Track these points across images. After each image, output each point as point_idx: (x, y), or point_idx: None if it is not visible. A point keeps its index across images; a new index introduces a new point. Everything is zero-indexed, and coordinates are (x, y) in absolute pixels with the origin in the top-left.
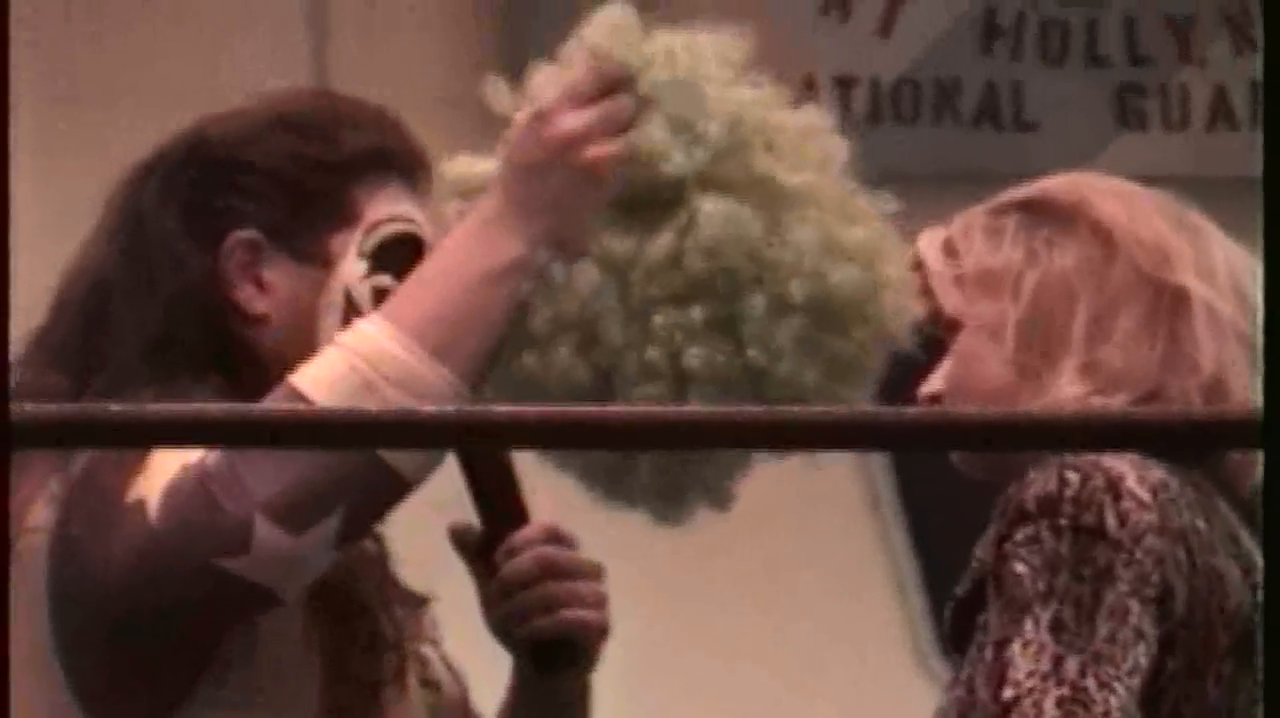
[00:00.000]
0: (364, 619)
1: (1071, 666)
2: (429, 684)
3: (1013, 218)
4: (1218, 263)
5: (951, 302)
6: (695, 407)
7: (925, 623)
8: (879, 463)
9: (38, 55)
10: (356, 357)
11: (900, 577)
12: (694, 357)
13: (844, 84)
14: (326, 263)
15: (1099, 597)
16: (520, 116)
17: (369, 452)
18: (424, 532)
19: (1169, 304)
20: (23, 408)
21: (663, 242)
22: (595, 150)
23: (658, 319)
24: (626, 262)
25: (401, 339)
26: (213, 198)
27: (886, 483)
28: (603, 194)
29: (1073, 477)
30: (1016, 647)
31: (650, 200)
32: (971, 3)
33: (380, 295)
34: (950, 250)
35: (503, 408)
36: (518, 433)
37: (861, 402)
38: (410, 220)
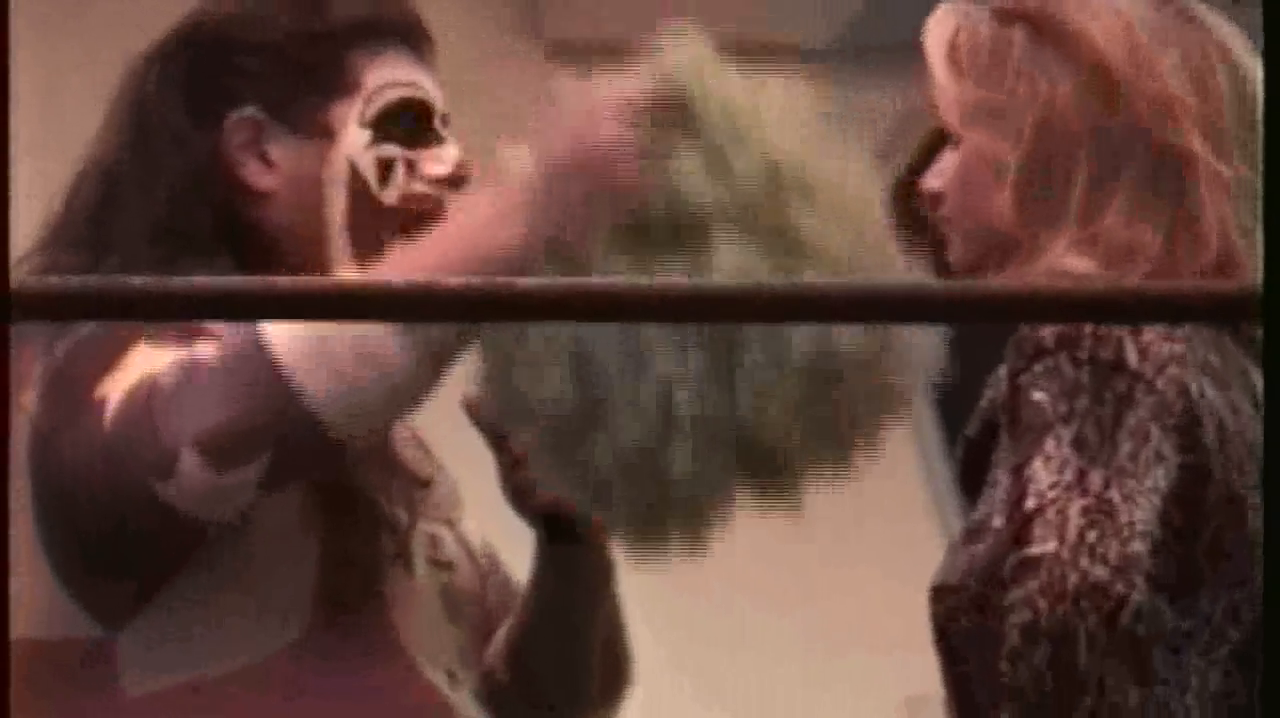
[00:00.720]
0: (361, 500)
1: (1096, 478)
2: (439, 564)
3: (1018, 33)
4: (1226, 103)
5: (952, 116)
6: (721, 281)
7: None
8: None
9: None
10: None
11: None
12: (686, 403)
13: None
14: (329, 134)
15: (1120, 419)
16: (558, 111)
17: (303, 407)
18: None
19: (1172, 169)
20: (22, 279)
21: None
22: (628, 169)
23: (657, 361)
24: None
25: None
26: (211, 79)
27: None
28: (620, 212)
29: None
30: (1038, 463)
31: (668, 232)
32: None
33: (385, 165)
34: (954, 54)
35: (525, 281)
36: (542, 307)
37: (847, 472)
38: (412, 84)
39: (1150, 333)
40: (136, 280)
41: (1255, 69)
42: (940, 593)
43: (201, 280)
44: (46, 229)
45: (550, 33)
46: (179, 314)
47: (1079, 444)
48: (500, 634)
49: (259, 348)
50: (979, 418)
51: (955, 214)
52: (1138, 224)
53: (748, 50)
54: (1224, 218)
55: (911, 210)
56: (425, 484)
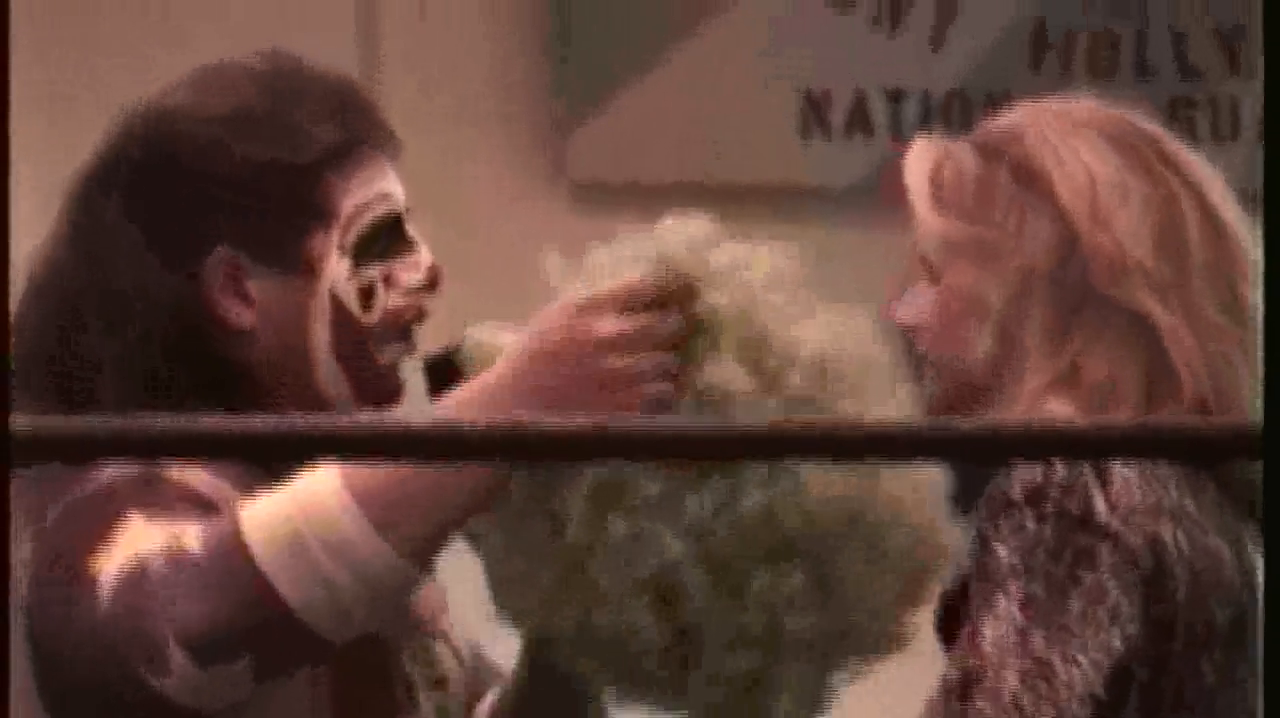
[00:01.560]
0: (375, 654)
1: (1038, 640)
2: (436, 683)
3: (1004, 179)
4: (1192, 256)
5: (934, 253)
6: (747, 422)
7: None
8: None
9: (65, 62)
10: (297, 507)
11: None
12: (797, 622)
13: (894, 97)
14: (308, 266)
15: (1075, 577)
16: (558, 306)
17: (283, 610)
18: None
19: (1135, 319)
20: (21, 420)
21: (752, 501)
22: (629, 370)
23: (755, 584)
24: (705, 523)
25: (347, 503)
26: (183, 215)
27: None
28: (615, 407)
29: (1059, 465)
30: (987, 619)
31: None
32: (1020, 16)
33: (366, 293)
34: (939, 188)
35: (549, 421)
36: (566, 447)
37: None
38: (386, 197)
39: (1120, 482)
40: (147, 420)
41: (1231, 212)
42: None
43: (212, 421)
44: (16, 367)
45: (575, 174)
46: (181, 453)
47: (1026, 603)
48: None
49: (239, 546)
50: (956, 571)
51: (933, 348)
52: (1113, 367)
53: (779, 193)
54: (1193, 366)
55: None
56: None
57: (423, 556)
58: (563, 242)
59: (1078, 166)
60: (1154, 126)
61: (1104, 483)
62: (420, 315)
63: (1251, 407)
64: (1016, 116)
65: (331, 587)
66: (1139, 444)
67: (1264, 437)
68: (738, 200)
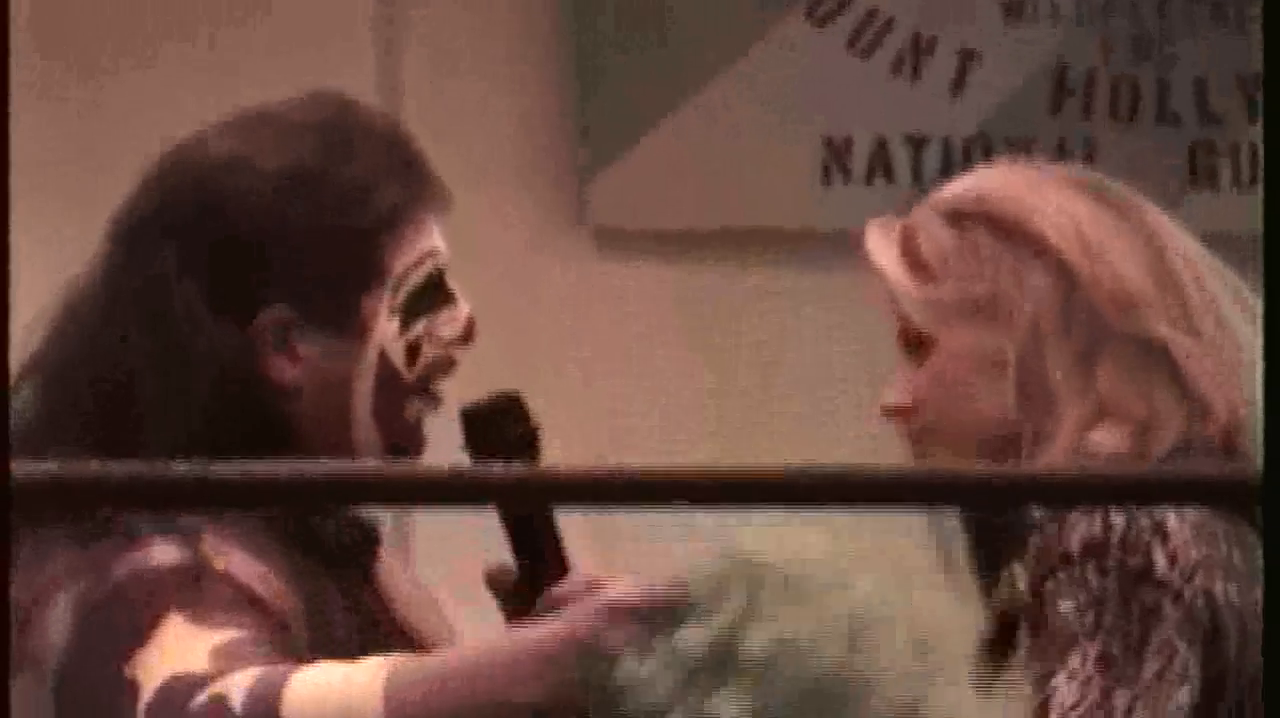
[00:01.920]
0: None
1: (1120, 700)
2: None
3: (983, 238)
4: (1184, 282)
5: (926, 322)
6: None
7: None
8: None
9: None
10: (336, 705)
11: None
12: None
13: (916, 144)
14: (359, 326)
15: (1146, 636)
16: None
17: None
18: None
19: (1154, 349)
20: (24, 466)
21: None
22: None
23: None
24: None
25: (380, 709)
26: (239, 271)
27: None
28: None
29: (1118, 520)
30: (1061, 678)
31: None
32: (1041, 62)
33: (413, 350)
34: (916, 264)
35: (566, 468)
36: (566, 491)
37: None
38: (434, 253)
39: (1178, 538)
40: (156, 467)
41: (1193, 247)
42: None
43: (227, 467)
44: (39, 408)
45: (596, 221)
46: (197, 503)
47: (1104, 662)
48: None
49: (275, 715)
50: (993, 616)
51: (942, 420)
52: (1144, 398)
53: (801, 238)
54: (1216, 386)
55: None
56: None
57: None
58: (583, 287)
59: (1057, 211)
60: (1099, 176)
61: (1163, 537)
62: (451, 367)
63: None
64: (970, 181)
65: None
66: (1137, 489)
67: (1264, 484)
68: (759, 246)
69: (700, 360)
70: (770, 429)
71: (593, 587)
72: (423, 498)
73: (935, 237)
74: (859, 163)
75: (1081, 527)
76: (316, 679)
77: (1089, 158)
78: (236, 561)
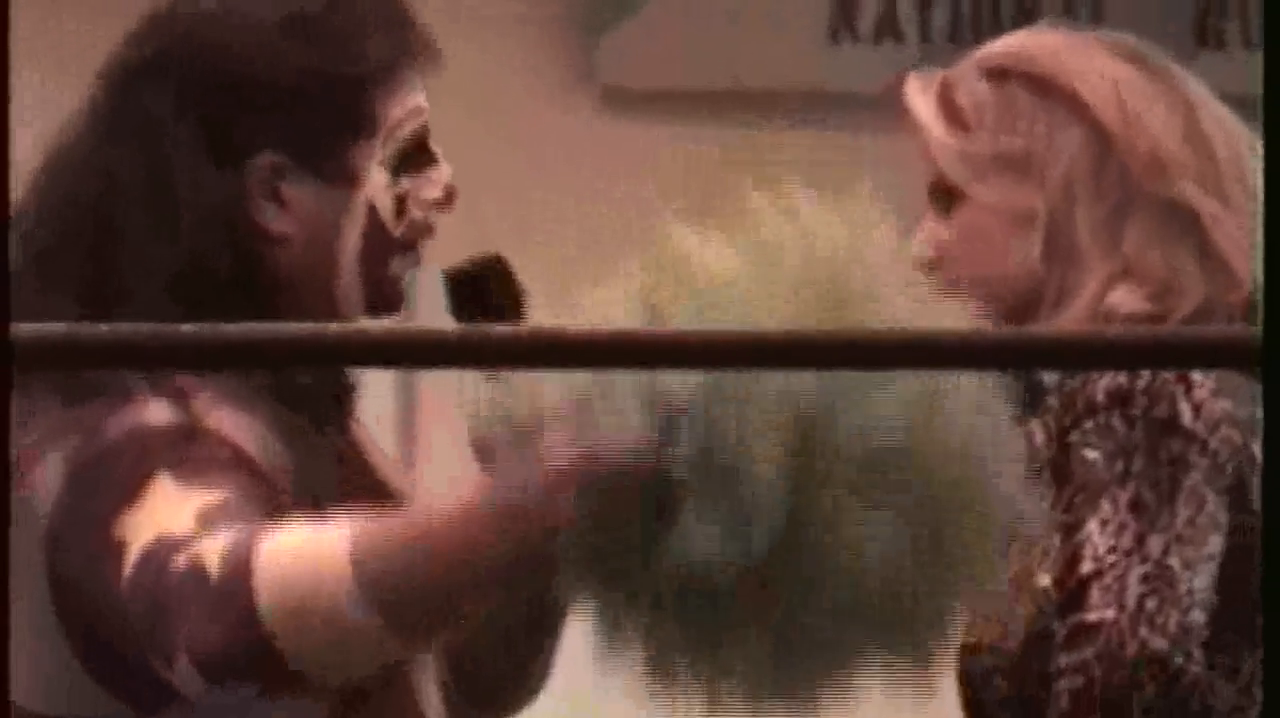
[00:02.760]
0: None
1: (1155, 543)
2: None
3: (1020, 94)
4: (1216, 148)
5: (959, 174)
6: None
7: None
8: None
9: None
10: (305, 569)
11: None
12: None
13: (924, 3)
14: (348, 176)
15: (1176, 483)
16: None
17: (283, 661)
18: None
19: (1182, 213)
20: (23, 327)
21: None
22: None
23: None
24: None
25: (349, 585)
26: (232, 115)
27: None
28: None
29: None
30: (1093, 525)
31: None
32: None
33: (400, 202)
34: (953, 116)
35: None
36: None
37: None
38: (421, 111)
39: (1203, 390)
40: (150, 327)
41: (1227, 116)
42: (972, 651)
43: (221, 328)
44: (27, 249)
45: (604, 78)
46: (195, 363)
47: (1137, 507)
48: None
49: (248, 591)
50: None
51: (967, 272)
52: (1169, 260)
53: (810, 98)
54: (1242, 252)
55: None
56: None
57: (418, 638)
58: (590, 146)
59: (1097, 74)
60: (1144, 43)
61: (1188, 388)
62: (430, 231)
63: None
64: (1013, 40)
65: (326, 652)
66: (1137, 353)
67: (1263, 349)
68: (766, 106)
69: (705, 221)
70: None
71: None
72: (407, 359)
73: (973, 90)
74: (866, 23)
75: (1107, 376)
76: (286, 542)
77: (1096, 17)
78: (227, 418)
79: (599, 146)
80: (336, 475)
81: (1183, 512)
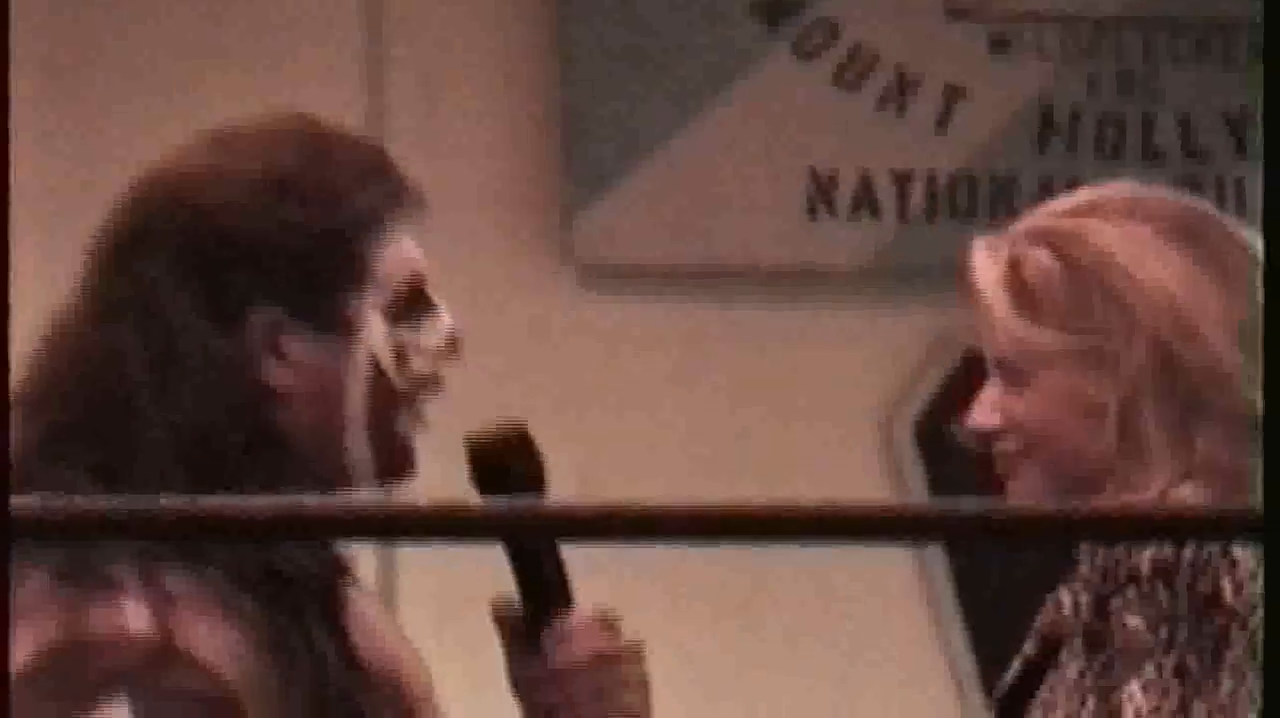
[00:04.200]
0: None
1: (1200, 710)
2: None
3: (1092, 289)
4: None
5: (1027, 361)
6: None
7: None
8: (934, 557)
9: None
10: None
11: (957, 673)
12: None
13: (901, 179)
14: (345, 327)
15: (1220, 655)
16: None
17: None
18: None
19: (1248, 421)
20: (24, 502)
21: None
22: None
23: None
24: None
25: None
26: (227, 276)
27: (942, 577)
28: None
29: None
30: (1135, 686)
31: None
32: (1027, 98)
33: (400, 355)
34: (1022, 298)
35: (557, 503)
36: (574, 527)
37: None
38: (415, 260)
39: (1244, 569)
40: (149, 501)
41: None
42: None
43: (213, 502)
44: (35, 423)
45: (581, 257)
46: (184, 534)
47: (1182, 673)
48: None
49: None
50: (1037, 637)
51: (1034, 448)
52: (1239, 458)
53: (786, 274)
54: None
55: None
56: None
57: None
58: (568, 323)
59: (1153, 283)
60: (1200, 206)
61: (1231, 565)
62: (438, 384)
63: None
64: (1071, 224)
65: None
66: (1141, 526)
67: (1265, 520)
68: (744, 281)
69: (684, 397)
70: (755, 465)
71: (597, 622)
72: (431, 533)
73: (1044, 271)
74: (844, 198)
75: (1151, 549)
76: None
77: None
78: (206, 637)
79: (577, 323)
80: (320, 668)
81: (1226, 682)
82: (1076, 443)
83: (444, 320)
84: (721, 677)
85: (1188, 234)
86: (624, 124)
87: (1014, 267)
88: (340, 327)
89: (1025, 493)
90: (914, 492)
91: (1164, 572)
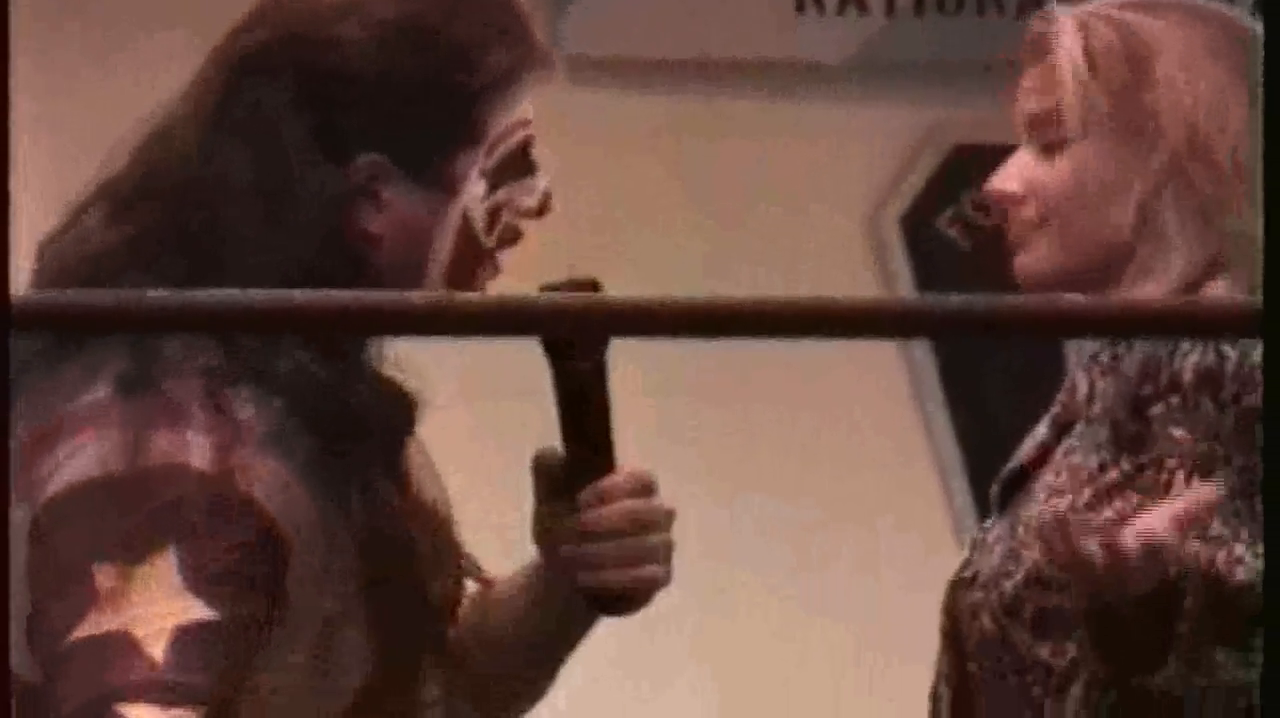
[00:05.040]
0: (414, 587)
1: (1245, 534)
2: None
3: (1145, 72)
4: None
5: (1077, 115)
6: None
7: (969, 509)
8: (921, 349)
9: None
10: None
11: (942, 463)
12: None
13: None
14: (447, 184)
15: None
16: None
17: None
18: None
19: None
20: (22, 294)
21: None
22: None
23: None
24: None
25: None
26: (343, 115)
27: (928, 369)
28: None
29: (1231, 352)
30: (1180, 483)
31: None
32: None
33: (494, 216)
34: (1091, 58)
35: (545, 297)
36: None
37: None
38: (527, 123)
39: None
40: (153, 294)
41: None
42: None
43: (214, 294)
44: (129, 239)
45: (571, 48)
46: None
47: (1232, 493)
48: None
49: None
50: (1053, 422)
51: (1052, 219)
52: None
53: (774, 68)
54: None
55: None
56: (481, 577)
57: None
58: (556, 116)
59: (1184, 81)
60: (1245, 18)
61: None
62: (519, 237)
63: None
64: (1134, 4)
65: None
66: (1144, 322)
67: (1263, 319)
68: (732, 75)
69: (673, 190)
70: (742, 258)
71: (637, 485)
72: (483, 329)
73: (1107, 41)
74: None
75: (1194, 353)
76: None
77: None
78: (261, 477)
79: (564, 117)
80: (366, 539)
81: None
82: (1095, 218)
83: (540, 181)
84: (709, 478)
85: (1232, 41)
86: None
87: (1084, 32)
88: (442, 184)
89: (1034, 266)
90: (900, 286)
91: (1208, 382)
